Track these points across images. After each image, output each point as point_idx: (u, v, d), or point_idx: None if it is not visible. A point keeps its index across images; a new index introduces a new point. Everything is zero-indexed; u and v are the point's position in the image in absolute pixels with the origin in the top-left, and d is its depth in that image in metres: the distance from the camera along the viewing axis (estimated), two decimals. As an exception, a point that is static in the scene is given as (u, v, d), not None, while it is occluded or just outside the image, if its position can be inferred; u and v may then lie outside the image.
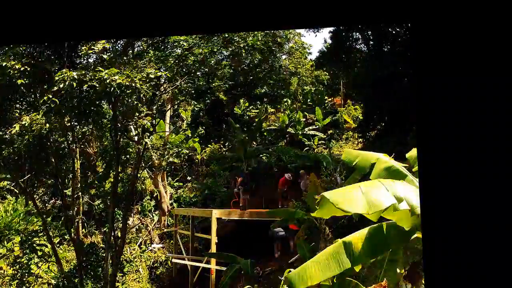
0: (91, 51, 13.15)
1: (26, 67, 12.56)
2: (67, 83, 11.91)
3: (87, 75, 12.03)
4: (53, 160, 15.49)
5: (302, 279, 5.55)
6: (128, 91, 12.32)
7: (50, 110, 12.93)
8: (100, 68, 12.18)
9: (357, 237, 5.46)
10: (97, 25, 1.39)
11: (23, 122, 12.76)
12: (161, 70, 14.87)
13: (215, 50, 15.81)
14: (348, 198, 5.21)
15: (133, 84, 12.17)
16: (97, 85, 11.90)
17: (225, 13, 1.35)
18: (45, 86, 13.42)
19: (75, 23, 1.38)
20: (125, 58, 13.60)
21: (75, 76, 11.94)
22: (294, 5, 1.32)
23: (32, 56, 13.75)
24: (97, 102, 13.66)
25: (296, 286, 5.71)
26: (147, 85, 13.97)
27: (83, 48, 13.27)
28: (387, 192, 5.09)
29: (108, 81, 11.72)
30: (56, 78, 12.20)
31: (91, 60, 14.17)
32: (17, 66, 12.36)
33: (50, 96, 12.77)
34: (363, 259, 5.55)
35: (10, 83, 12.71)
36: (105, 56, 13.19)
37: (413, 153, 7.09)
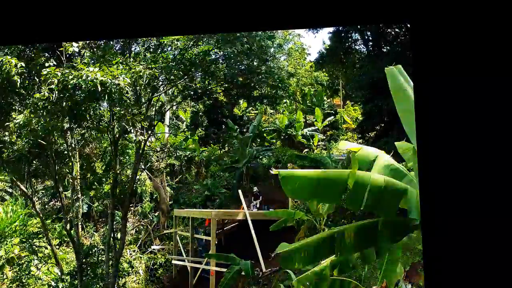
0: (70, 48, 13.05)
1: (21, 63, 12.53)
2: (50, 81, 11.87)
3: (71, 74, 11.93)
4: (52, 161, 15.47)
5: (292, 260, 5.80)
6: (113, 89, 12.16)
7: (45, 109, 12.86)
8: (82, 66, 12.12)
9: (350, 228, 5.55)
10: (97, 25, 1.39)
11: (18, 120, 12.74)
12: (157, 70, 14.82)
13: (210, 49, 15.76)
14: (297, 184, 5.34)
15: (117, 81, 12.04)
16: (83, 84, 11.81)
17: (225, 13, 1.35)
18: (42, 86, 13.39)
19: (74, 23, 1.38)
20: (110, 56, 13.43)
21: (58, 74, 11.90)
22: (294, 5, 1.32)
23: (28, 57, 13.73)
24: (94, 104, 13.63)
25: (285, 265, 5.96)
26: (143, 84, 13.91)
27: (66, 45, 13.17)
28: (341, 190, 5.22)
29: (89, 78, 11.62)
30: (43, 77, 12.15)
31: (70, 50, 14.02)
32: (14, 61, 12.34)
33: (46, 94, 12.72)
34: (351, 250, 5.67)
35: (8, 80, 12.66)
36: (88, 53, 13.07)
37: (402, 143, 6.99)
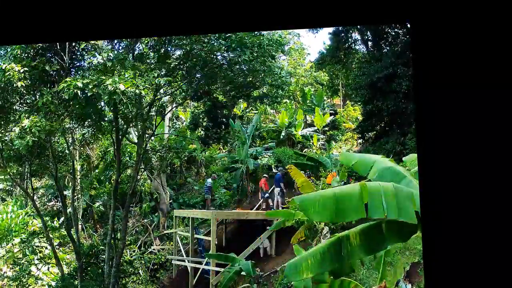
0: (91, 60, 13.21)
1: (25, 69, 12.61)
2: (70, 91, 11.98)
3: (91, 83, 12.02)
4: (52, 161, 15.48)
5: (298, 270, 5.52)
6: (132, 97, 12.31)
7: (50, 112, 12.93)
8: (103, 77, 12.18)
9: (355, 233, 5.43)
10: (97, 25, 1.39)
11: (23, 124, 12.78)
12: (162, 72, 14.84)
13: (215, 51, 15.76)
14: (317, 206, 5.19)
15: (137, 90, 12.18)
16: (102, 93, 11.92)
17: (226, 13, 1.35)
18: (44, 88, 13.43)
19: (75, 23, 1.38)
20: (126, 62, 13.54)
21: (80, 85, 11.99)
22: (294, 5, 1.33)
23: (32, 58, 13.76)
24: (99, 106, 13.69)
25: (292, 277, 5.70)
26: (150, 88, 13.98)
27: (85, 57, 13.34)
28: (361, 202, 5.04)
29: (111, 89, 11.71)
30: (60, 87, 12.24)
31: (95, 62, 14.11)
32: (17, 68, 12.40)
33: (50, 98, 12.77)
34: (359, 254, 5.52)
35: (10, 85, 12.75)
36: (109, 64, 13.16)
37: (410, 157, 7.06)
